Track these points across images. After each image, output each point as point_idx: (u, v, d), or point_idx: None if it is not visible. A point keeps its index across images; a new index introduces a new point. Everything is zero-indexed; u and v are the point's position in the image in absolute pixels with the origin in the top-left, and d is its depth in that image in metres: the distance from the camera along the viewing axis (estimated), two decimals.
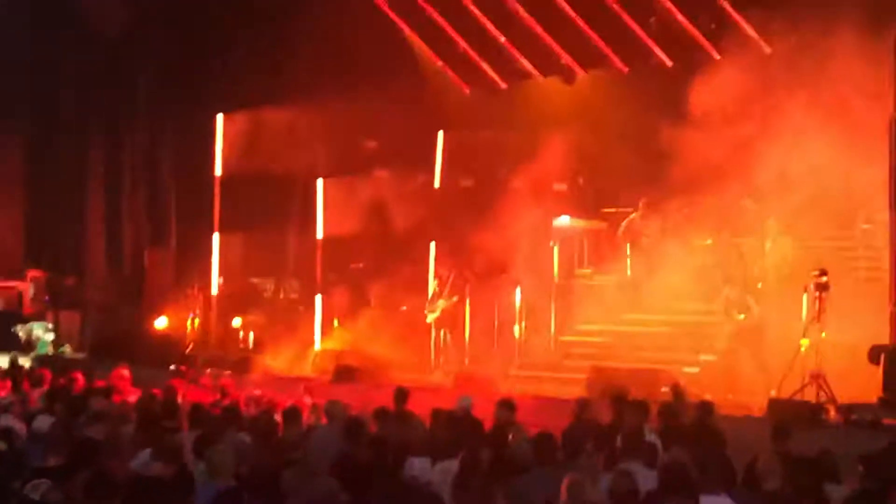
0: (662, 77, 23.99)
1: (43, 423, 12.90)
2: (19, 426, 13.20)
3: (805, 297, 17.51)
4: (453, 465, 10.80)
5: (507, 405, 14.21)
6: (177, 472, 10.10)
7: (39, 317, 27.20)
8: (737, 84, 21.73)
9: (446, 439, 12.07)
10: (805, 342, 17.24)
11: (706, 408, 14.04)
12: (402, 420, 14.03)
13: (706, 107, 21.75)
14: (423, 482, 9.76)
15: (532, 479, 9.93)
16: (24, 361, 23.49)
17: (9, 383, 17.64)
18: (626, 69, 24.88)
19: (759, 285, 19.93)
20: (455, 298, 22.85)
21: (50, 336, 26.70)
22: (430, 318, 23.14)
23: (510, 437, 12.40)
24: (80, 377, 17.95)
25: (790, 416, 14.40)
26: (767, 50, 22.15)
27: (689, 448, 11.09)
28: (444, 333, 23.00)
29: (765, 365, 18.35)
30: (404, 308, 24.44)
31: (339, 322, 25.17)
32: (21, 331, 26.61)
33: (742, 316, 19.21)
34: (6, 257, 28.91)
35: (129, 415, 13.63)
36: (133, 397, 16.27)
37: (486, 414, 14.76)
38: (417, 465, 9.80)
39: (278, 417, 14.20)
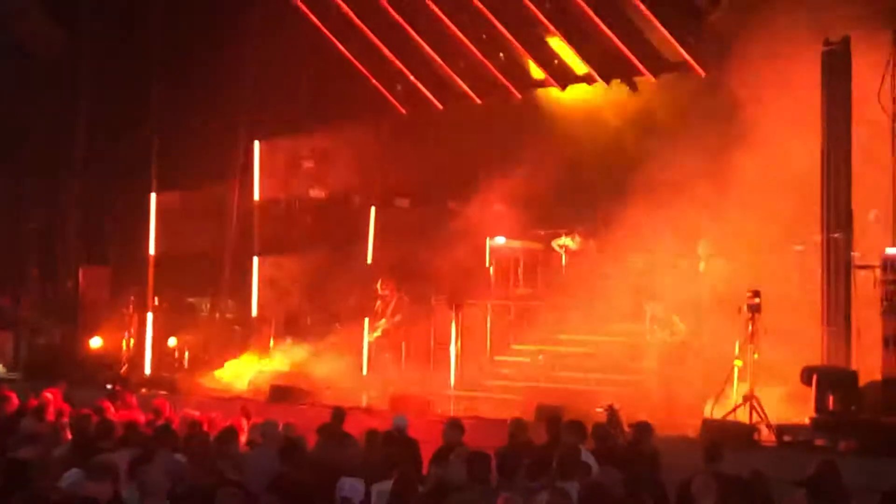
0: (596, 100, 24.18)
1: None
2: None
3: (739, 318, 17.65)
4: (386, 485, 10.81)
5: (455, 425, 14.23)
6: (113, 493, 10.03)
7: None
8: (670, 105, 22.02)
9: (381, 460, 12.08)
10: (738, 363, 17.38)
11: (643, 428, 14.09)
12: (338, 440, 14.01)
13: (644, 126, 22.01)
14: (355, 502, 9.76)
15: (466, 498, 9.94)
16: None
17: None
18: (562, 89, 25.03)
19: (697, 307, 20.03)
20: (398, 318, 22.87)
21: None
22: (371, 338, 23.13)
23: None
24: (13, 397, 17.78)
25: (724, 437, 14.48)
26: (702, 74, 22.34)
27: (622, 468, 11.15)
28: (382, 353, 23.00)
29: (696, 385, 18.45)
30: (337, 325, 24.35)
31: (274, 342, 25.08)
32: None
33: (667, 335, 19.34)
34: None
35: (62, 435, 13.51)
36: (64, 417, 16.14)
37: (421, 434, 14.80)
38: (348, 486, 9.79)
39: (213, 437, 14.15)
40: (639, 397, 18.98)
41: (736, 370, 17.36)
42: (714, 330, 18.98)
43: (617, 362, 20.67)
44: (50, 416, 16.14)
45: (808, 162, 18.27)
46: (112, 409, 17.22)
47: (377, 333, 23.08)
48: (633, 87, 23.52)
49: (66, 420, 15.63)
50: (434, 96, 26.46)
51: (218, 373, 24.27)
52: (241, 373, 24.17)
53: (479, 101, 25.82)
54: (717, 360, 18.21)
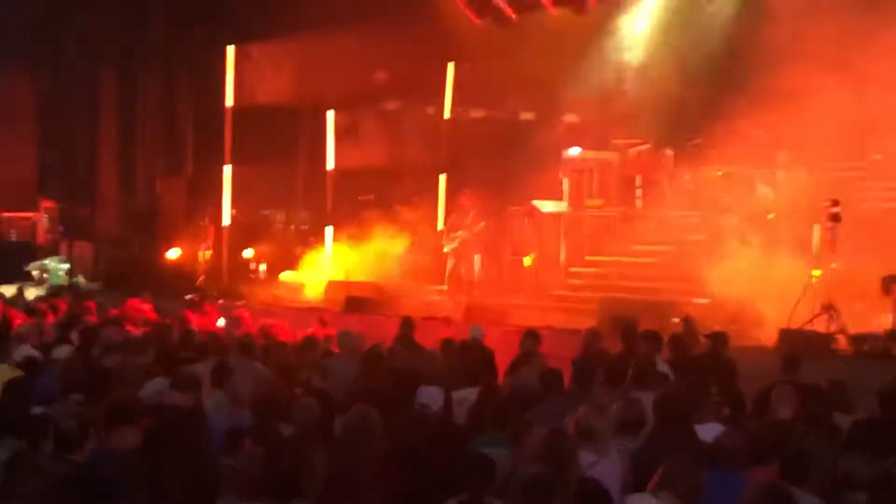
0: (672, 7, 23.87)
1: (62, 352, 13.02)
2: (37, 355, 13.33)
3: (816, 227, 17.53)
4: (465, 393, 10.91)
5: (532, 335, 14.31)
6: (195, 401, 10.20)
7: (53, 248, 27.23)
8: (747, 15, 21.74)
9: (459, 369, 12.19)
10: (816, 273, 17.27)
11: (719, 338, 14.09)
12: (413, 349, 14.13)
13: (720, 36, 21.77)
14: (434, 410, 9.85)
15: (542, 410, 10.01)
16: (38, 291, 23.66)
17: (22, 313, 17.70)
18: None
19: (771, 216, 19.88)
20: (482, 225, 22.82)
21: (64, 266, 26.77)
22: (448, 248, 23.14)
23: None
24: (93, 307, 18.08)
25: (801, 347, 14.43)
26: None
27: (699, 378, 11.19)
28: (460, 264, 23.03)
29: (772, 295, 18.37)
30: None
31: (349, 252, 25.21)
32: (34, 269, 26.69)
33: (741, 242, 19.23)
34: (19, 188, 28.94)
35: (145, 345, 13.71)
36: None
37: (496, 344, 14.88)
38: (427, 394, 9.89)
39: (290, 347, 14.33)
40: (715, 307, 18.94)
41: (814, 280, 17.24)
42: (791, 239, 18.86)
43: (692, 273, 20.58)
44: (133, 325, 16.40)
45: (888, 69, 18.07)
46: (193, 319, 17.50)
47: (454, 244, 23.08)
48: None
49: (148, 329, 15.90)
50: (508, 6, 26.26)
51: (293, 284, 24.45)
52: (315, 284, 24.35)
53: (553, 10, 25.57)
54: (795, 271, 18.11)
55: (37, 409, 9.71)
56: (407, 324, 15.57)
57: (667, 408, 9.50)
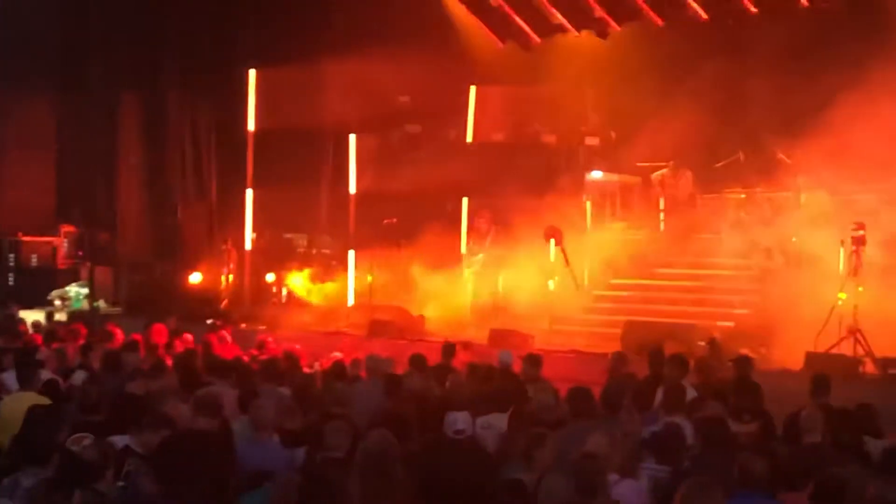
0: (697, 30, 23.83)
1: (80, 377, 12.99)
2: (58, 380, 13.32)
3: (842, 250, 17.48)
4: (494, 419, 10.85)
5: (532, 360, 14.29)
6: (220, 425, 10.16)
7: (73, 272, 27.22)
8: (773, 37, 21.70)
9: (486, 394, 12.13)
10: (842, 296, 17.21)
11: (744, 362, 14.06)
12: (443, 374, 14.09)
13: (739, 61, 21.74)
14: (466, 435, 9.79)
15: (568, 433, 9.95)
16: (59, 316, 23.66)
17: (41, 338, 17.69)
18: (660, 22, 24.66)
19: (794, 239, 19.83)
20: (499, 251, 22.81)
21: (84, 291, 26.78)
22: (469, 271, 23.11)
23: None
24: (117, 331, 18.07)
25: (828, 370, 14.34)
26: (804, 3, 21.95)
27: (726, 402, 11.13)
28: (482, 287, 22.98)
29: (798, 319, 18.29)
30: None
31: (372, 277, 25.17)
32: (55, 297, 26.74)
33: (763, 259, 19.17)
34: (40, 213, 28.96)
35: (168, 370, 13.69)
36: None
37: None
38: (460, 420, 9.83)
39: (315, 372, 14.31)
40: (739, 331, 18.88)
41: (839, 303, 17.17)
42: (816, 263, 18.80)
43: (717, 296, 20.53)
44: (158, 351, 16.39)
45: None
46: (217, 343, 17.48)
47: (475, 267, 23.04)
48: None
49: (172, 354, 15.89)
50: (531, 29, 26.26)
51: (316, 308, 24.42)
52: (339, 308, 24.35)
53: (577, 32, 25.56)
54: (819, 294, 18.05)
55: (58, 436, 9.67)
56: (447, 349, 15.51)
57: (711, 431, 9.48)
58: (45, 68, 29.04)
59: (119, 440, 9.19)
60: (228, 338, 19.20)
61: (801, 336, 17.65)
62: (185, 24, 28.35)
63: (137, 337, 17.63)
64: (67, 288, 26.89)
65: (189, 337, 18.07)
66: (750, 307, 19.65)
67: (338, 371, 13.88)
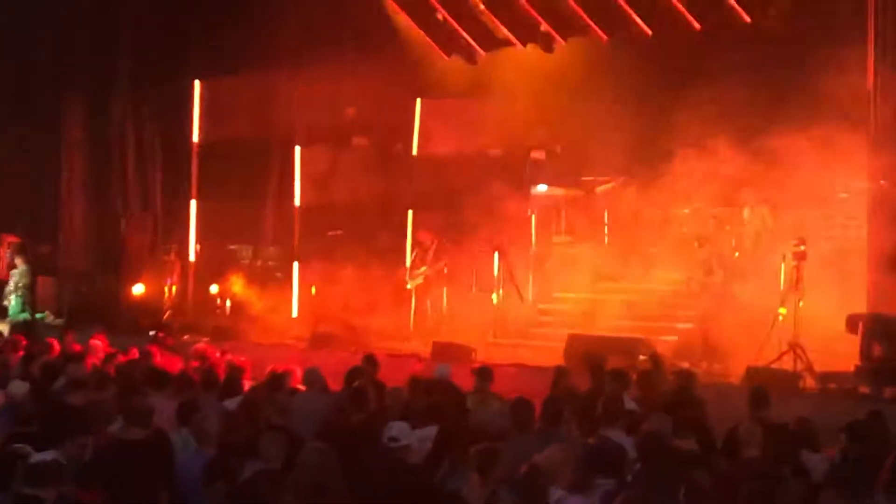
0: (642, 45, 23.91)
1: (18, 388, 12.86)
2: None
3: (783, 265, 17.60)
4: (429, 431, 10.84)
5: (483, 373, 14.29)
6: (153, 436, 10.09)
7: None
8: (717, 53, 21.85)
9: (425, 407, 12.12)
10: (783, 311, 17.34)
11: (687, 376, 14.12)
12: (379, 387, 14.05)
13: (685, 77, 21.86)
14: (402, 445, 9.78)
15: (510, 446, 9.95)
16: (2, 327, 23.44)
17: None
18: (605, 37, 24.73)
19: (736, 254, 19.97)
20: (442, 265, 22.83)
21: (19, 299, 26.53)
22: (412, 284, 23.12)
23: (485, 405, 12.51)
24: (55, 343, 17.90)
25: (768, 385, 14.42)
26: (747, 20, 22.10)
27: (669, 416, 11.16)
28: (424, 300, 23.00)
29: (738, 333, 18.39)
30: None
31: (315, 289, 25.12)
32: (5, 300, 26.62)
33: (704, 276, 19.27)
34: None
35: (107, 381, 13.57)
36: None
37: (463, 382, 14.80)
38: (396, 428, 9.83)
39: (262, 384, 14.23)
40: (681, 345, 18.99)
41: (780, 318, 17.29)
42: (757, 278, 18.93)
43: (659, 310, 20.64)
44: (95, 361, 16.25)
45: (853, 109, 18.17)
46: (158, 355, 17.34)
47: (418, 281, 23.06)
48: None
49: (111, 366, 15.76)
50: (477, 43, 26.27)
51: (259, 320, 24.33)
52: (282, 320, 24.28)
53: (522, 46, 25.59)
54: (761, 309, 18.18)
55: None
56: (369, 361, 15.45)
57: (652, 446, 9.51)
58: None
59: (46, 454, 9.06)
60: (170, 349, 19.12)
61: (743, 351, 17.78)
62: (133, 33, 28.16)
63: (77, 348, 17.49)
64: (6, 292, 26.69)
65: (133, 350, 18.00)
66: (692, 322, 19.75)
67: (275, 383, 13.80)
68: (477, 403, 12.34)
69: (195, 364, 16.82)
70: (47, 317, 26.50)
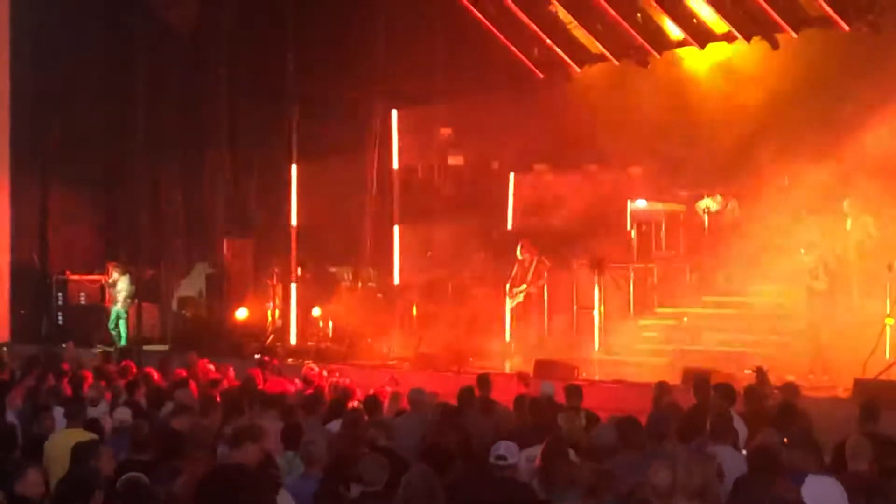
0: (735, 57, 23.75)
1: (125, 414, 13.01)
2: (105, 418, 13.37)
3: (889, 275, 17.35)
4: (536, 451, 10.80)
5: (572, 391, 14.27)
6: (262, 460, 10.13)
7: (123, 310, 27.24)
8: (820, 63, 21.59)
9: (530, 425, 12.10)
10: (890, 321, 17.07)
11: (791, 390, 13.96)
12: (486, 407, 14.07)
13: (786, 87, 21.66)
14: (510, 464, 9.76)
15: (617, 463, 9.89)
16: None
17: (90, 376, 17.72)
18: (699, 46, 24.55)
19: (840, 263, 19.68)
20: (542, 282, 22.75)
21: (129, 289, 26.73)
22: (512, 303, 23.07)
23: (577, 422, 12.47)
24: (155, 371, 18.08)
25: (878, 397, 14.21)
26: (846, 28, 21.83)
27: (776, 430, 11.04)
28: (525, 319, 22.93)
29: (845, 345, 18.13)
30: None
31: (416, 309, 25.17)
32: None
33: (811, 280, 18.95)
34: (88, 252, 29.23)
35: (213, 406, 13.68)
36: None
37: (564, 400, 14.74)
38: (504, 447, 9.82)
39: (361, 405, 14.30)
40: (786, 358, 18.76)
41: (888, 328, 17.03)
42: (863, 288, 18.68)
43: (763, 322, 20.42)
44: (200, 387, 16.40)
45: None
46: (261, 379, 17.49)
47: (518, 299, 23.00)
48: (775, 44, 22.96)
49: (217, 390, 15.91)
50: (571, 59, 26.24)
51: (361, 342, 24.42)
52: (384, 341, 24.37)
53: (616, 62, 25.52)
54: (867, 319, 17.92)
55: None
56: (483, 381, 15.41)
57: (760, 460, 9.41)
58: (92, 105, 29.28)
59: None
60: (275, 372, 19.27)
61: (850, 362, 17.53)
62: (228, 62, 28.53)
63: (182, 373, 17.67)
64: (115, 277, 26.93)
65: (231, 373, 18.16)
66: (797, 334, 19.51)
67: (373, 404, 13.89)
68: (567, 421, 12.27)
69: (300, 387, 16.95)
70: (150, 343, 26.84)
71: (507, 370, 20.47)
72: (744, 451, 10.63)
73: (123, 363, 19.70)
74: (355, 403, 14.80)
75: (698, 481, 8.82)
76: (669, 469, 8.92)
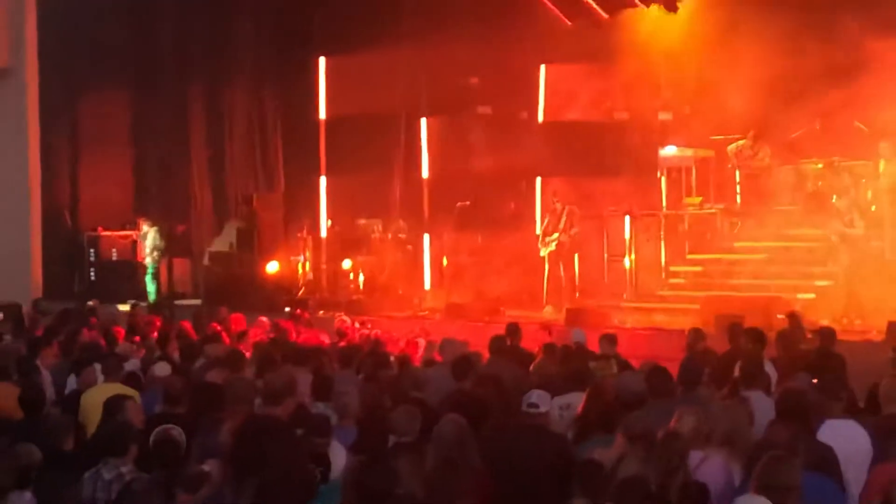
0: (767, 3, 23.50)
1: (163, 369, 13.04)
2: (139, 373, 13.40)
3: None
4: (569, 398, 10.78)
5: (608, 339, 14.26)
6: (296, 410, 10.13)
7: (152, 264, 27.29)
8: (848, 7, 21.37)
9: (562, 374, 12.08)
10: None
11: (827, 334, 13.88)
12: (516, 355, 14.05)
13: (816, 33, 21.43)
14: (542, 412, 9.74)
15: (648, 412, 9.85)
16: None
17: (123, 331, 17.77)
18: None
19: (873, 208, 19.55)
20: (575, 231, 22.62)
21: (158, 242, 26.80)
22: (544, 252, 22.97)
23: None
24: (188, 325, 18.09)
25: None
26: None
27: (810, 375, 11.01)
28: (557, 267, 22.87)
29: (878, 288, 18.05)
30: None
31: (447, 260, 25.16)
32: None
33: (849, 230, 18.82)
34: (117, 209, 29.26)
35: (246, 359, 13.70)
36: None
37: (595, 347, 14.74)
38: (536, 395, 9.80)
39: (393, 357, 14.30)
40: (820, 303, 18.68)
41: None
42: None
43: (796, 267, 20.31)
44: (231, 341, 16.42)
45: None
46: (294, 331, 17.50)
47: (551, 248, 22.92)
48: None
49: (243, 343, 15.94)
50: (599, 6, 26.04)
51: (392, 293, 24.47)
52: (415, 292, 24.41)
53: (645, 7, 25.30)
54: None
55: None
56: (513, 329, 15.42)
57: (788, 405, 9.36)
58: (119, 68, 29.27)
59: None
60: (306, 326, 19.28)
61: (885, 305, 17.45)
62: (253, 16, 28.51)
63: (216, 326, 17.67)
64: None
65: (266, 324, 18.15)
66: (831, 278, 19.41)
67: (406, 357, 13.92)
68: (600, 369, 12.27)
69: (333, 339, 16.96)
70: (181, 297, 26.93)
71: (539, 318, 20.45)
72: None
73: (150, 317, 19.74)
74: (388, 355, 14.78)
75: (725, 427, 8.82)
76: (694, 415, 8.92)
